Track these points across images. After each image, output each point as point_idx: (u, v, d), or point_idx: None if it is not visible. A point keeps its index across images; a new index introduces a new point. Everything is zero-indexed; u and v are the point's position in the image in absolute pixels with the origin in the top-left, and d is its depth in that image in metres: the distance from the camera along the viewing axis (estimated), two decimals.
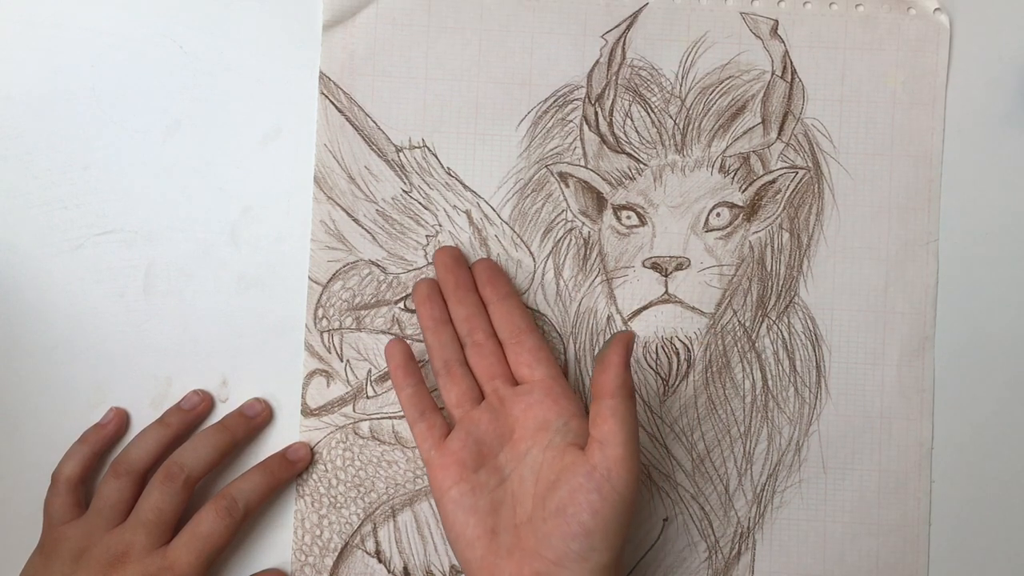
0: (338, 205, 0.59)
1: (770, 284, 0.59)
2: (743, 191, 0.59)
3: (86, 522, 0.55)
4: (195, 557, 0.54)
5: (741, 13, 0.59)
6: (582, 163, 0.59)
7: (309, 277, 0.59)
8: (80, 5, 0.59)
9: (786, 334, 0.59)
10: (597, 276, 0.59)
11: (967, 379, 0.59)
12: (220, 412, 0.59)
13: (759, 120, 0.59)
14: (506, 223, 0.59)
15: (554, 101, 0.59)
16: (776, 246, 0.59)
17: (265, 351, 0.59)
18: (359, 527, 0.58)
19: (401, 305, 0.59)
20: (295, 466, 0.58)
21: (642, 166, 0.59)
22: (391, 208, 0.59)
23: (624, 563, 0.53)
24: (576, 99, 0.59)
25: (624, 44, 0.59)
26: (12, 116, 0.59)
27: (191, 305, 0.59)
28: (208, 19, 0.60)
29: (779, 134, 0.59)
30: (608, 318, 0.59)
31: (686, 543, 0.58)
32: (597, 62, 0.59)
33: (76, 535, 0.55)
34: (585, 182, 0.59)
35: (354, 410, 0.59)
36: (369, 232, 0.59)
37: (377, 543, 0.58)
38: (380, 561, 0.58)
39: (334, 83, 0.59)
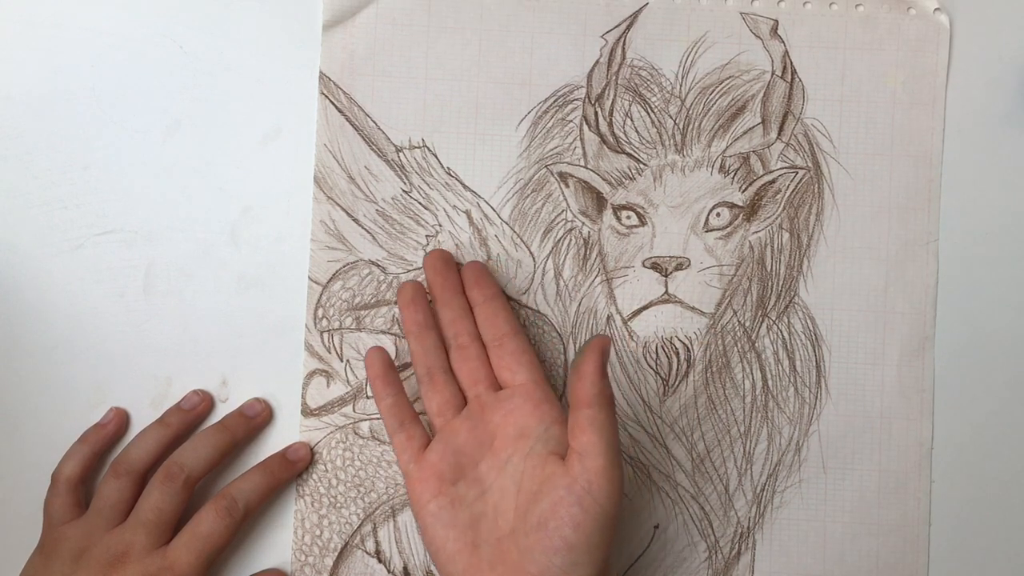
0: (338, 205, 0.59)
1: (770, 284, 0.59)
2: (743, 191, 0.59)
3: (86, 522, 0.55)
4: (195, 557, 0.54)
5: (741, 13, 0.59)
6: (582, 163, 0.59)
7: (309, 277, 0.59)
8: (80, 5, 0.59)
9: (786, 334, 0.59)
10: (597, 276, 0.59)
11: (967, 379, 0.59)
12: (220, 412, 0.59)
13: (759, 120, 0.59)
14: (506, 223, 0.59)
15: (554, 101, 0.59)
16: (776, 246, 0.59)
17: (265, 351, 0.59)
18: (359, 527, 0.58)
19: None
20: (295, 466, 0.58)
21: (642, 166, 0.59)
22: (391, 208, 0.59)
23: (613, 571, 0.53)
24: (576, 99, 0.59)
25: (624, 44, 0.59)
26: (12, 116, 0.59)
27: (191, 305, 0.59)
28: (208, 19, 0.60)
29: (779, 134, 0.59)
30: (608, 318, 0.59)
31: (686, 543, 0.58)
32: (597, 62, 0.59)
33: (76, 535, 0.55)
34: (585, 182, 0.59)
35: (354, 410, 0.59)
36: (369, 232, 0.59)
37: (377, 543, 0.58)
38: (380, 561, 0.58)
39: (334, 83, 0.59)
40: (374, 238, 0.59)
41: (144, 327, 0.59)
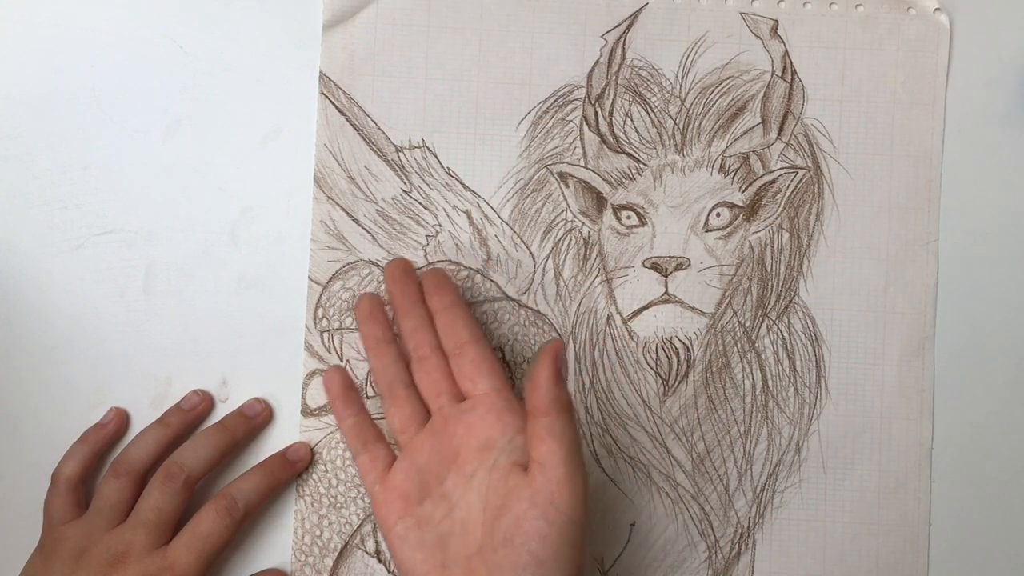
0: (338, 205, 0.59)
1: (770, 284, 0.59)
2: (743, 191, 0.59)
3: (86, 522, 0.55)
4: (195, 557, 0.54)
5: (741, 13, 0.59)
6: (582, 163, 0.59)
7: (309, 277, 0.59)
8: (80, 5, 0.59)
9: (786, 334, 0.59)
10: (597, 276, 0.59)
11: (967, 379, 0.59)
12: (220, 412, 0.59)
13: (759, 120, 0.59)
14: (506, 223, 0.59)
15: (554, 101, 0.59)
16: (776, 246, 0.59)
17: (265, 351, 0.59)
18: (359, 527, 0.58)
19: None
20: (295, 466, 0.58)
21: (642, 166, 0.59)
22: (391, 208, 0.59)
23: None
24: (576, 99, 0.59)
25: (624, 44, 0.59)
26: (12, 116, 0.59)
27: (191, 305, 0.59)
28: (208, 19, 0.60)
29: (779, 134, 0.59)
30: (608, 318, 0.59)
31: (686, 543, 0.58)
32: (597, 62, 0.59)
33: (76, 535, 0.55)
34: (585, 182, 0.59)
35: None
36: (369, 232, 0.59)
37: (377, 543, 0.58)
38: (380, 561, 0.58)
39: (334, 83, 0.59)
40: (374, 238, 0.59)
41: (144, 327, 0.59)
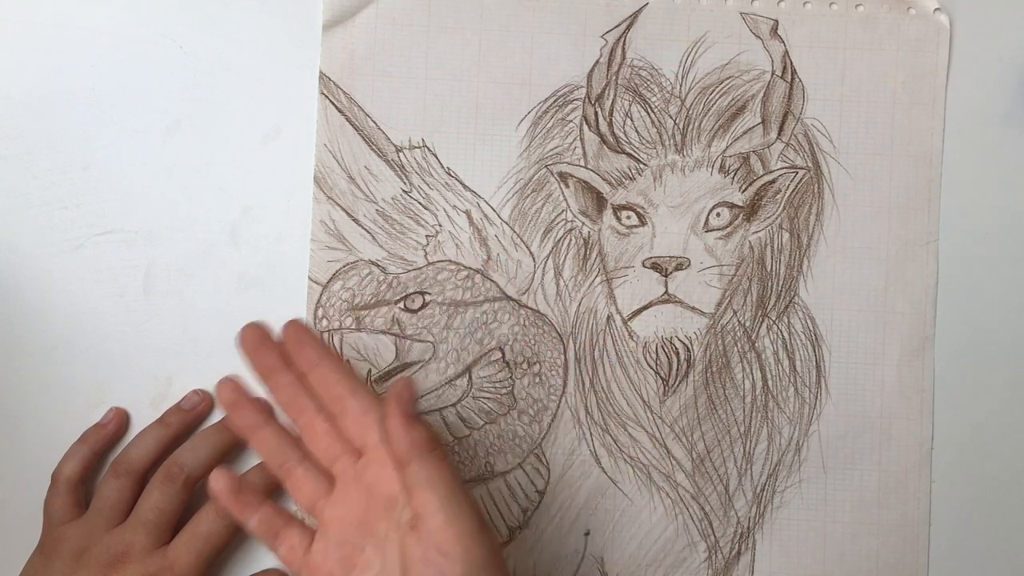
0: (338, 205, 0.59)
1: (770, 284, 0.59)
2: (743, 191, 0.59)
3: (86, 522, 0.55)
4: (195, 557, 0.54)
5: (741, 13, 0.59)
6: (582, 163, 0.59)
7: (309, 277, 0.59)
8: (80, 5, 0.59)
9: (786, 334, 0.59)
10: (597, 276, 0.59)
11: (967, 379, 0.59)
12: (220, 412, 0.59)
13: (759, 120, 0.59)
14: (506, 223, 0.59)
15: (554, 101, 0.59)
16: (776, 246, 0.59)
17: None
18: None
19: (401, 305, 0.59)
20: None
21: (642, 166, 0.59)
22: (391, 208, 0.59)
23: None
24: (576, 99, 0.59)
25: (624, 44, 0.59)
26: (12, 116, 0.59)
27: (191, 305, 0.59)
28: (208, 19, 0.60)
29: (779, 134, 0.59)
30: (608, 318, 0.59)
31: (686, 543, 0.58)
32: (597, 62, 0.59)
33: (76, 535, 0.55)
34: (585, 182, 0.59)
35: None
36: (369, 232, 0.59)
37: None
38: None
39: (334, 83, 0.59)
40: (374, 238, 0.59)
41: (144, 327, 0.59)
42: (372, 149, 0.59)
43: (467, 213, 0.59)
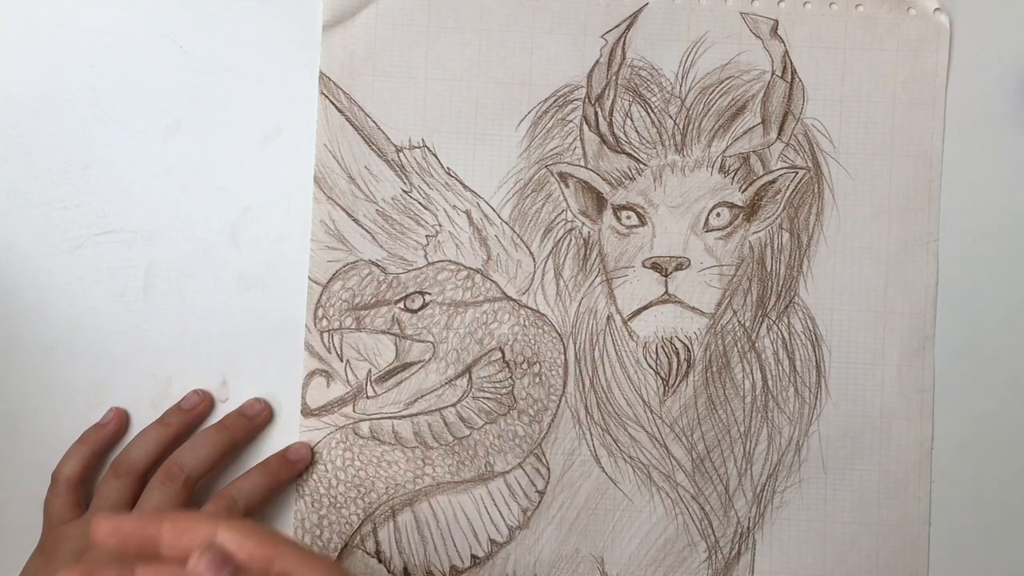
0: (338, 205, 0.59)
1: (770, 284, 0.59)
2: (743, 191, 0.59)
3: (86, 522, 0.55)
4: None
5: (741, 13, 0.59)
6: (582, 163, 0.59)
7: (309, 277, 0.59)
8: (80, 5, 0.59)
9: (786, 334, 0.59)
10: (597, 276, 0.59)
11: (967, 379, 0.59)
12: (220, 412, 0.59)
13: (759, 120, 0.59)
14: (506, 223, 0.59)
15: (554, 101, 0.59)
16: (776, 246, 0.59)
17: (265, 351, 0.59)
18: (359, 527, 0.58)
19: (401, 305, 0.59)
20: (295, 466, 0.58)
21: (642, 166, 0.59)
22: (391, 208, 0.59)
23: None
24: (576, 99, 0.59)
25: (624, 44, 0.59)
26: (12, 116, 0.59)
27: (191, 305, 0.59)
28: (208, 19, 0.60)
29: (779, 134, 0.59)
30: (608, 318, 0.59)
31: (686, 543, 0.58)
32: (597, 62, 0.59)
33: (76, 535, 0.55)
34: (585, 182, 0.59)
35: (354, 410, 0.59)
36: (369, 232, 0.59)
37: (377, 543, 0.58)
38: (380, 561, 0.58)
39: (334, 83, 0.59)
40: (374, 238, 0.59)
41: (144, 327, 0.59)
42: (372, 149, 0.59)
43: (467, 213, 0.59)
